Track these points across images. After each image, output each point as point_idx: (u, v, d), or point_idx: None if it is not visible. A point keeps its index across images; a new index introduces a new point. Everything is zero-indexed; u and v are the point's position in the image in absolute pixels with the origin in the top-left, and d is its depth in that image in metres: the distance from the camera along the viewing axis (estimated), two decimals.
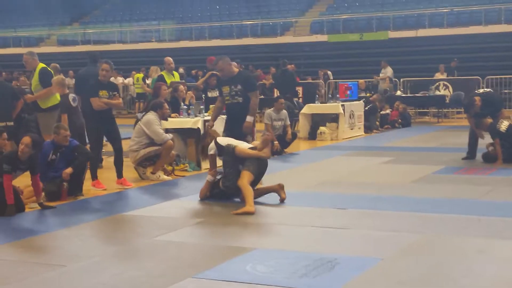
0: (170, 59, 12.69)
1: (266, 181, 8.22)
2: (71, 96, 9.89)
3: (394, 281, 4.78)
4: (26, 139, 7.35)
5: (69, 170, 8.04)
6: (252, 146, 7.82)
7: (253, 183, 7.56)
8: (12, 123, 9.97)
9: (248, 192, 7.29)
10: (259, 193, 7.65)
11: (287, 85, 17.85)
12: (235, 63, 16.22)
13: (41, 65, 10.12)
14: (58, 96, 10.06)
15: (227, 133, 8.49)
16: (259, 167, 7.61)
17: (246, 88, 8.50)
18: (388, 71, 22.62)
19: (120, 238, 6.37)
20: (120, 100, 9.19)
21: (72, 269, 5.16)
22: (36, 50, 34.15)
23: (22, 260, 5.43)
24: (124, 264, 5.45)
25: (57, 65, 13.13)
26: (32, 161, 7.42)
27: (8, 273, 5.08)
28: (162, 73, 12.59)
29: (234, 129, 8.44)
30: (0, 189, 7.10)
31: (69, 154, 8.26)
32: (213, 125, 8.63)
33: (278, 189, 7.69)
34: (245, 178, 7.43)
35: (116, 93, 9.00)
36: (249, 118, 8.40)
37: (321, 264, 5.13)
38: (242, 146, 7.70)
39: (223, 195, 7.75)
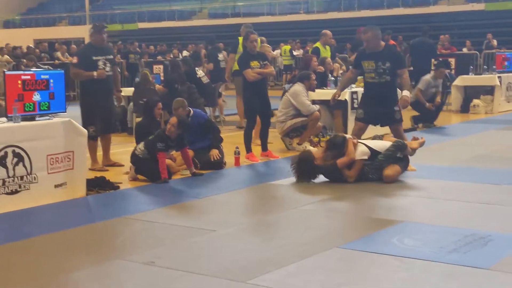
0: (330, 33, 12.45)
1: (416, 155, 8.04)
2: None
3: None
4: (173, 119, 7.59)
5: (214, 151, 8.24)
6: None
7: None
8: None
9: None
10: None
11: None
12: (387, 35, 15.94)
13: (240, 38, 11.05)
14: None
15: (368, 111, 8.08)
16: None
17: (396, 66, 8.04)
18: None
19: (268, 206, 6.48)
20: (272, 68, 9.23)
21: (222, 234, 5.32)
22: (188, 23, 35.02)
23: (174, 224, 5.66)
24: (271, 232, 5.55)
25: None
26: (181, 139, 7.66)
27: (162, 235, 5.34)
28: (317, 45, 12.47)
29: (380, 108, 8.07)
30: (153, 161, 7.47)
31: (194, 126, 8.24)
32: (339, 95, 8.59)
33: None
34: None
35: (266, 62, 9.02)
36: (406, 93, 7.93)
37: (473, 240, 4.92)
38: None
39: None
